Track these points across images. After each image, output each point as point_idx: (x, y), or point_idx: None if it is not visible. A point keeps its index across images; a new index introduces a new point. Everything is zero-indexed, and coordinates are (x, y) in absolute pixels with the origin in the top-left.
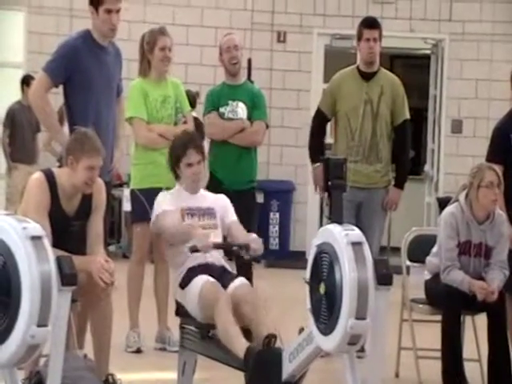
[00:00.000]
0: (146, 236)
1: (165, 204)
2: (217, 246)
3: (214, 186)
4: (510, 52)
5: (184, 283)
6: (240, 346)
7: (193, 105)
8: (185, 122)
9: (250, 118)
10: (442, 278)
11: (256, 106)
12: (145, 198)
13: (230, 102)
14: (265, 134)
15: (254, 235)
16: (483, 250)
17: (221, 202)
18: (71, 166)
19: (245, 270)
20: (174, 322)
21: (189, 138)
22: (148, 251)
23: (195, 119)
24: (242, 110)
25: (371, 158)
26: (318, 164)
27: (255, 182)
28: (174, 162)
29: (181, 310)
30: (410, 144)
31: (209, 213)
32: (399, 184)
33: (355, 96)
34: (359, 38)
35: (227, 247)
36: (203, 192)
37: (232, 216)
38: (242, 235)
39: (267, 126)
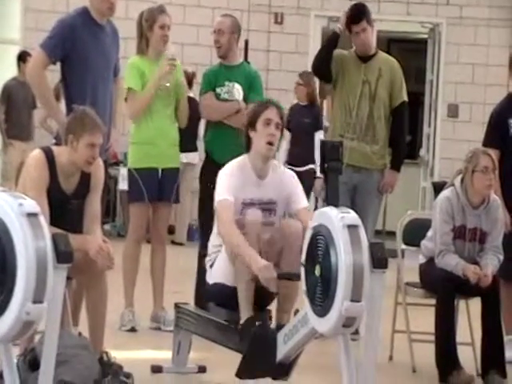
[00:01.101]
0: (143, 216)
1: (228, 188)
2: (280, 278)
3: (210, 167)
4: (507, 37)
5: (212, 263)
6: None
7: (189, 85)
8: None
9: (246, 99)
10: (437, 261)
11: (252, 88)
12: (141, 178)
13: (226, 82)
14: None
15: (306, 204)
16: (478, 235)
17: (289, 189)
18: (71, 145)
19: None
20: (169, 301)
21: (272, 100)
22: (144, 231)
23: (192, 100)
24: (237, 91)
25: (367, 138)
26: None
27: None
28: (251, 119)
29: (207, 299)
30: (407, 126)
31: (269, 208)
32: (396, 166)
33: (353, 76)
34: (350, 30)
35: (293, 279)
36: (272, 172)
37: (299, 204)
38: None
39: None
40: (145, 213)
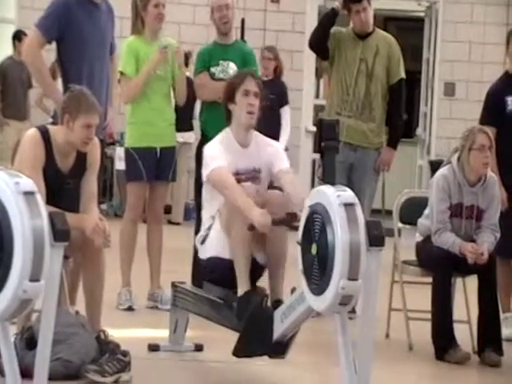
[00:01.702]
0: (140, 195)
1: (219, 157)
2: (276, 224)
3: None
4: (504, 15)
5: (204, 237)
6: (242, 282)
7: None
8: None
9: None
10: (433, 239)
11: (247, 67)
12: (139, 158)
13: (221, 62)
14: None
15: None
16: (475, 213)
17: (270, 155)
18: (67, 125)
19: None
20: (166, 280)
21: (248, 71)
22: (141, 210)
23: (188, 79)
24: (232, 70)
25: (364, 116)
26: None
27: None
28: (229, 92)
29: (200, 275)
30: (404, 104)
31: (254, 176)
32: (392, 143)
33: (350, 54)
34: (348, 11)
35: (287, 224)
36: (255, 141)
37: (282, 164)
38: (290, 186)
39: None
40: (142, 192)
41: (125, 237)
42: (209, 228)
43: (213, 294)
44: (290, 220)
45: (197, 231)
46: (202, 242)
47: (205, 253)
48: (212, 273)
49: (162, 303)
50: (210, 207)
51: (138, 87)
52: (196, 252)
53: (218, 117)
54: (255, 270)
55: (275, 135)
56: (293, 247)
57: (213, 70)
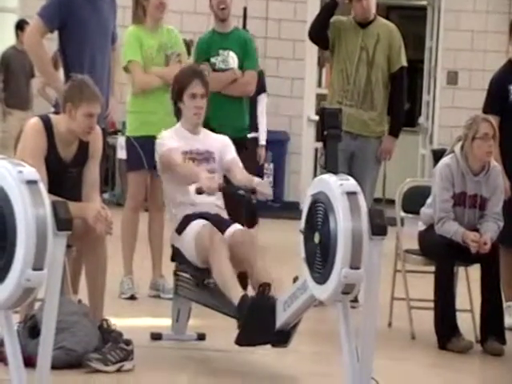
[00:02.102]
0: (141, 184)
1: (170, 141)
2: (223, 189)
3: None
4: (506, 3)
5: (180, 228)
6: (235, 293)
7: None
8: (178, 56)
9: (241, 66)
10: (436, 228)
11: (247, 55)
12: (140, 146)
13: (220, 51)
14: (256, 83)
15: (259, 179)
16: (478, 202)
17: (220, 142)
18: (69, 113)
19: (250, 215)
20: (168, 269)
21: (194, 69)
22: (142, 199)
23: None
24: (232, 59)
25: (365, 105)
26: None
27: (247, 130)
28: (178, 92)
29: (177, 256)
30: (406, 92)
31: (208, 157)
32: (394, 132)
33: (351, 42)
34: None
35: (233, 190)
36: (204, 132)
37: (231, 154)
38: (241, 173)
39: (259, 74)
40: (143, 181)
41: (126, 225)
42: (184, 221)
43: (188, 272)
44: (235, 187)
45: None
46: (179, 232)
47: (180, 245)
48: (186, 264)
49: (164, 292)
50: (175, 196)
51: (150, 85)
52: None
53: (218, 106)
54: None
55: (253, 123)
56: (293, 236)
57: (213, 60)
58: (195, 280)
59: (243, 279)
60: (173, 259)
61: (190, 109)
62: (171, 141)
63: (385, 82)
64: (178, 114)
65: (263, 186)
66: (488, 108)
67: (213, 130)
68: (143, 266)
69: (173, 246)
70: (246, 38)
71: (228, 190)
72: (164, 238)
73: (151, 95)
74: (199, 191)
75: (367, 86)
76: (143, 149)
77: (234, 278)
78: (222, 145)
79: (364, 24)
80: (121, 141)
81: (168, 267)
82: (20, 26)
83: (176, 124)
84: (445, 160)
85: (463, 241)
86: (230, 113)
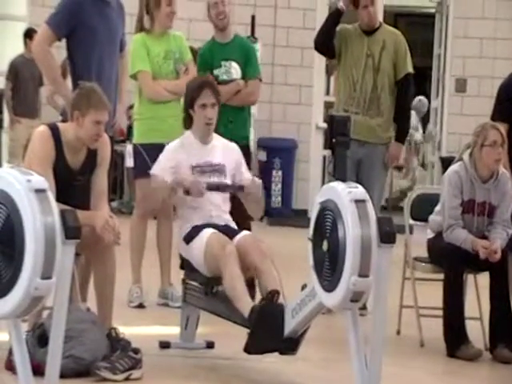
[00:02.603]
0: (148, 191)
1: (165, 161)
2: (210, 188)
3: None
4: None
5: (189, 237)
6: (245, 304)
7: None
8: (186, 70)
9: (243, 75)
10: (445, 236)
11: (249, 63)
12: (147, 153)
13: (222, 62)
14: (259, 91)
15: (251, 177)
16: (487, 209)
17: (232, 156)
18: (77, 121)
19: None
20: (177, 277)
21: (205, 79)
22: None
23: None
24: (235, 70)
25: (372, 111)
26: None
27: (249, 138)
28: (189, 103)
29: (185, 264)
30: (412, 98)
31: (219, 170)
32: (400, 138)
33: (357, 50)
34: (356, 6)
35: (221, 188)
36: (215, 141)
37: (245, 173)
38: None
39: (260, 80)
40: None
41: (134, 234)
42: (192, 230)
43: (194, 278)
44: (224, 186)
45: None
46: (188, 242)
47: (189, 255)
48: (194, 271)
49: (172, 300)
50: (182, 207)
51: (165, 97)
52: None
53: (222, 116)
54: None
55: None
56: (301, 244)
57: (216, 72)
58: (204, 288)
59: (251, 286)
60: (181, 267)
61: (200, 118)
62: (166, 160)
63: (391, 88)
64: (188, 121)
65: (253, 184)
66: (496, 115)
67: None
68: (152, 273)
69: (181, 255)
70: (247, 46)
71: (215, 187)
72: (173, 245)
73: (159, 102)
74: (187, 192)
75: (373, 92)
76: (150, 156)
77: (245, 289)
78: (234, 159)
79: (369, 31)
80: (129, 149)
81: (177, 275)
82: (28, 34)
83: (185, 132)
84: (454, 167)
85: (472, 248)
86: (234, 122)
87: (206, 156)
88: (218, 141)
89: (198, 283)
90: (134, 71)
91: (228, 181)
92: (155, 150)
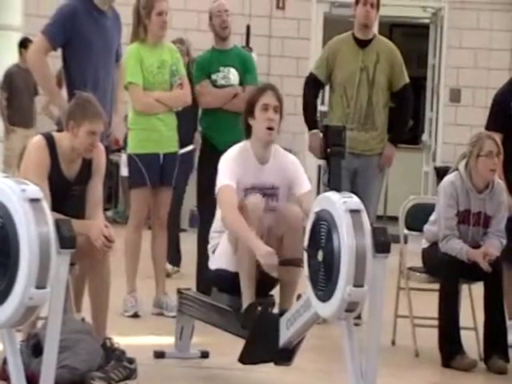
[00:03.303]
0: (143, 202)
1: (230, 174)
2: (283, 264)
3: (209, 153)
4: (510, 21)
5: (214, 248)
6: (246, 295)
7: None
8: (180, 85)
9: (241, 82)
10: (441, 246)
11: (247, 71)
12: (142, 164)
13: (221, 68)
14: None
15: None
16: (482, 219)
17: (288, 175)
18: (72, 131)
19: None
20: (172, 286)
21: (267, 83)
22: (145, 217)
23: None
24: (233, 75)
25: (367, 126)
26: (316, 130)
27: None
28: (249, 107)
29: (213, 284)
30: (412, 108)
31: (271, 194)
32: (393, 140)
33: (351, 64)
34: (356, 2)
35: (295, 265)
36: (274, 157)
37: (301, 188)
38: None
39: None
40: (146, 198)
41: (129, 245)
42: (219, 238)
43: (219, 301)
44: (298, 261)
45: (199, 238)
46: (213, 251)
47: (214, 263)
48: (219, 283)
49: (167, 310)
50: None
51: (156, 109)
52: (200, 258)
53: (220, 123)
54: (267, 284)
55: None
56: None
57: (214, 76)
58: (232, 309)
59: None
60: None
61: (261, 122)
62: (232, 173)
63: (385, 101)
64: (247, 132)
65: None
66: (491, 125)
67: (213, 147)
68: (146, 283)
69: (199, 277)
70: (246, 55)
71: (288, 263)
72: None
73: (152, 113)
74: (258, 266)
75: (369, 107)
76: (145, 166)
77: (252, 280)
78: (292, 178)
79: (363, 42)
80: (124, 158)
81: (172, 284)
82: (23, 44)
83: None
84: (449, 177)
85: (468, 258)
86: (231, 128)
87: (262, 177)
88: (276, 158)
89: (226, 305)
90: (125, 83)
91: (279, 203)
92: (149, 159)
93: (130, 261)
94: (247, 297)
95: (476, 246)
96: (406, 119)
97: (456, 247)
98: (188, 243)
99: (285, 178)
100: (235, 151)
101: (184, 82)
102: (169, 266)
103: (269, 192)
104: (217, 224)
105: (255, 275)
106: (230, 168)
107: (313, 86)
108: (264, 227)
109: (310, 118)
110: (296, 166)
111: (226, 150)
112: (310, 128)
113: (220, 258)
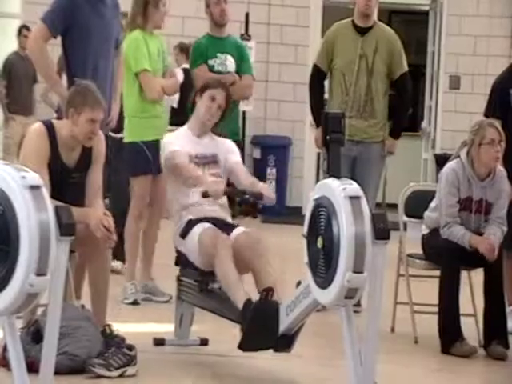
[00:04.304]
0: (147, 189)
1: (175, 144)
2: (228, 193)
3: None
4: (509, 7)
5: (184, 232)
6: (239, 296)
7: (187, 57)
8: (171, 72)
9: (237, 71)
10: (442, 232)
11: (243, 59)
12: (149, 151)
13: (218, 54)
14: (253, 87)
15: (262, 184)
16: (483, 207)
17: (225, 146)
18: (72, 119)
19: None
20: (170, 274)
21: (223, 84)
22: (147, 204)
23: (188, 71)
24: (230, 63)
25: (366, 114)
26: None
27: (239, 134)
28: (203, 88)
29: (181, 261)
30: (410, 96)
31: (213, 161)
32: (394, 134)
33: (350, 51)
34: None
35: (239, 195)
36: (210, 136)
37: (235, 157)
38: (245, 177)
39: (254, 79)
40: (149, 186)
41: (130, 233)
42: (187, 225)
43: (189, 276)
44: (241, 191)
45: None
46: (183, 236)
47: (184, 248)
48: (189, 266)
49: (157, 295)
50: (179, 199)
51: (163, 96)
52: None
53: None
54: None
55: None
56: (296, 241)
57: (211, 62)
58: (199, 285)
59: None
60: (177, 263)
61: (204, 105)
62: (176, 143)
63: (384, 89)
64: (192, 108)
65: (268, 191)
66: (489, 112)
67: None
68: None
69: (177, 251)
70: (241, 44)
71: (233, 193)
72: (164, 243)
73: (155, 100)
74: (205, 195)
75: (367, 95)
76: (152, 153)
77: (239, 282)
78: (226, 148)
79: (363, 30)
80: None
81: (169, 272)
82: (22, 31)
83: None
84: (451, 165)
85: (470, 245)
86: (228, 116)
87: (201, 148)
88: (211, 136)
89: (193, 280)
90: (138, 69)
91: (221, 171)
92: (155, 146)
93: (130, 249)
94: (240, 297)
95: (478, 234)
96: (405, 109)
97: (459, 233)
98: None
99: (222, 149)
100: (173, 134)
101: (174, 70)
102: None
103: (210, 159)
104: (176, 207)
105: (238, 275)
106: (173, 142)
107: (318, 79)
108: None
109: (318, 113)
110: (230, 142)
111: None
112: (318, 125)
113: (190, 254)
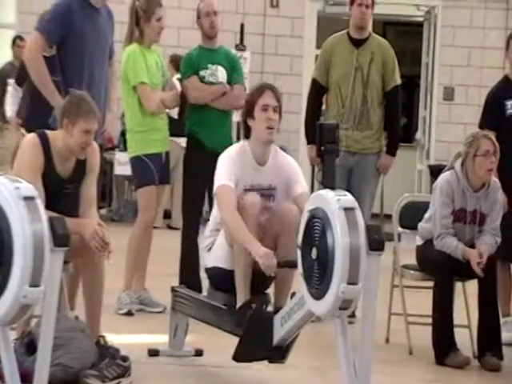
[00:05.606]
0: (153, 198)
1: (230, 172)
2: (281, 266)
3: (197, 150)
4: (503, 19)
5: (210, 247)
6: (241, 294)
7: (176, 68)
8: (171, 84)
9: (229, 81)
10: (436, 243)
11: (234, 70)
12: (152, 163)
13: (209, 65)
14: (244, 97)
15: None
16: (478, 218)
17: (288, 174)
18: (66, 129)
19: None
20: (165, 284)
21: (265, 83)
22: (154, 214)
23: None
24: (221, 73)
25: (362, 125)
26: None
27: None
28: (248, 108)
29: (212, 281)
30: (400, 110)
31: (268, 194)
32: (391, 151)
33: (346, 63)
34: (351, 2)
35: (293, 266)
36: (272, 158)
37: (299, 188)
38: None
39: (245, 89)
40: (155, 196)
41: (134, 243)
42: (214, 236)
43: (216, 300)
44: (295, 263)
45: (184, 236)
46: (209, 249)
47: (210, 261)
48: (215, 281)
49: (151, 306)
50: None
51: (163, 109)
52: (183, 256)
53: (208, 120)
54: (263, 282)
55: None
56: None
57: (202, 73)
58: (226, 307)
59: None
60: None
61: (261, 122)
62: (230, 172)
63: (379, 100)
64: (247, 133)
65: None
66: (484, 123)
67: (200, 143)
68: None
69: (206, 270)
70: (232, 55)
71: (286, 265)
72: (162, 253)
73: (159, 114)
74: (253, 266)
75: (363, 106)
76: (155, 165)
77: (248, 278)
78: (288, 178)
79: (358, 42)
80: (118, 156)
81: (165, 282)
82: (15, 42)
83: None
84: (445, 176)
85: (463, 257)
86: (218, 126)
87: (260, 178)
88: (274, 158)
89: (222, 304)
90: (136, 82)
91: (274, 204)
92: (157, 159)
93: (131, 259)
94: (242, 295)
95: (472, 245)
96: (395, 122)
97: (451, 245)
98: (161, 241)
99: (282, 179)
100: (234, 151)
101: (174, 82)
102: None
103: (266, 192)
104: (212, 222)
105: (250, 273)
106: (229, 168)
107: (317, 95)
108: (260, 226)
109: (311, 131)
110: (294, 168)
111: (212, 148)
112: (309, 142)
113: (216, 256)
